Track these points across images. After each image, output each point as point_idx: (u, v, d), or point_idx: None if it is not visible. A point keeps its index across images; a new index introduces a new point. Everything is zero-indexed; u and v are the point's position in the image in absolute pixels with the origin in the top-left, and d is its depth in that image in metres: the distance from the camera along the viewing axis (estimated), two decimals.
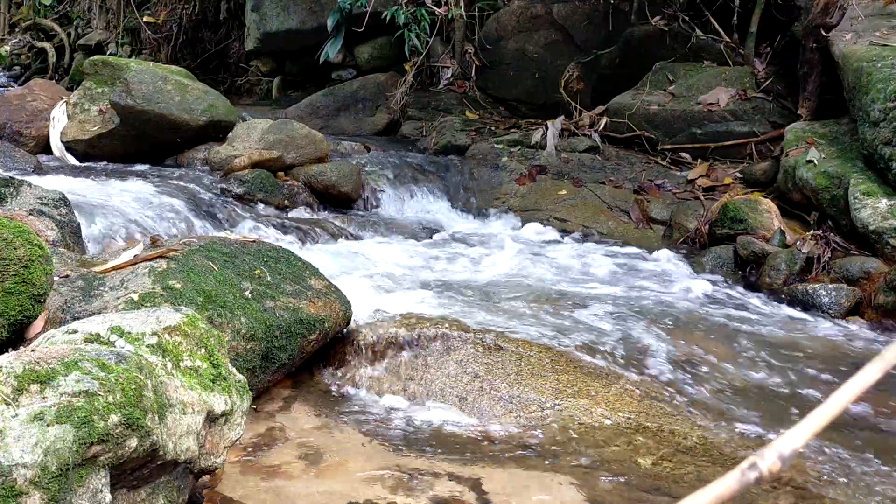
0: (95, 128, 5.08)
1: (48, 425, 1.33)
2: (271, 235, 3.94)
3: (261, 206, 4.42)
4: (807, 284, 3.61)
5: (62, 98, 5.41)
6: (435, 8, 6.41)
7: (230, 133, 5.06)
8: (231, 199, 4.36)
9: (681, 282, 3.84)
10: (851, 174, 3.94)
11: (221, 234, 3.78)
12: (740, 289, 3.77)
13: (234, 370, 1.86)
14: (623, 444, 2.32)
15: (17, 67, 10.81)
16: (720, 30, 5.67)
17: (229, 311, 2.34)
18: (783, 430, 1.01)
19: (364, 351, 2.71)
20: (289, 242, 3.89)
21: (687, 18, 5.80)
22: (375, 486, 2.05)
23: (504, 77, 6.73)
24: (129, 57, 8.36)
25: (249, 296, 2.45)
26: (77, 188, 3.94)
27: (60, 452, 1.33)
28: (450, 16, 6.45)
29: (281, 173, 4.69)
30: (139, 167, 4.97)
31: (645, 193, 4.94)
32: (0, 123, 5.25)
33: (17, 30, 11.23)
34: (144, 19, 8.72)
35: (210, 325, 1.87)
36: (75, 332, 1.64)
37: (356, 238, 4.27)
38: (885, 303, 3.38)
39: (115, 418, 1.40)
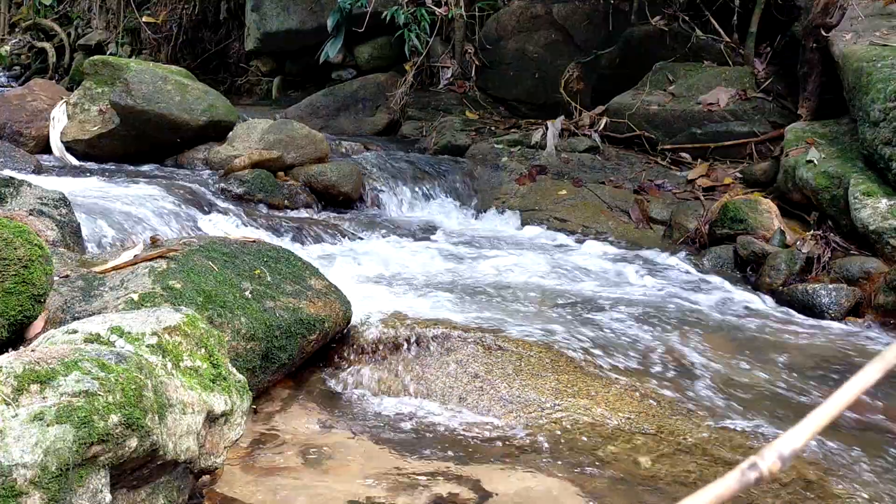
0: (95, 128, 5.08)
1: (48, 425, 1.33)
2: (271, 235, 3.94)
3: (261, 206, 4.42)
4: (807, 284, 3.60)
5: (62, 98, 5.41)
6: (435, 8, 6.42)
7: (230, 133, 5.06)
8: (231, 199, 4.36)
9: (680, 282, 3.84)
10: (851, 174, 3.94)
11: (221, 234, 3.78)
12: (740, 289, 3.77)
13: (234, 370, 1.86)
14: (623, 444, 2.32)
15: (17, 67, 10.82)
16: (720, 30, 5.67)
17: (229, 311, 2.34)
18: (783, 430, 1.01)
19: (364, 351, 2.71)
20: (288, 242, 3.89)
21: (687, 18, 5.80)
22: (375, 486, 2.05)
23: (504, 77, 6.73)
24: (129, 57, 8.36)
25: (249, 296, 2.45)
26: (77, 188, 3.94)
27: (60, 452, 1.33)
28: (450, 16, 6.45)
29: (281, 173, 4.69)
30: (139, 167, 4.97)
31: (645, 193, 4.94)
32: (0, 123, 5.25)
33: (17, 30, 11.23)
34: (144, 19, 8.72)
35: (210, 325, 1.87)
36: (75, 332, 1.64)
37: (356, 238, 4.27)
38: (885, 303, 3.38)
39: (115, 418, 1.40)
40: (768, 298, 3.66)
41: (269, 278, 2.59)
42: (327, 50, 7.09)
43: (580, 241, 4.50)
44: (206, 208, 4.13)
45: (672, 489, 2.10)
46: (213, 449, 1.77)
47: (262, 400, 2.50)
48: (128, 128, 4.97)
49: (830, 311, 3.45)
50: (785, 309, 3.55)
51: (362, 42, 7.36)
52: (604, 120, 5.65)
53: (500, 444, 2.32)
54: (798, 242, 3.91)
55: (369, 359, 2.70)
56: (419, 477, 2.10)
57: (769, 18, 5.49)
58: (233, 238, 2.89)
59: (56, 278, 2.26)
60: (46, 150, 5.20)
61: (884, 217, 3.67)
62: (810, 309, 3.49)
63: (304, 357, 2.58)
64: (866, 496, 2.07)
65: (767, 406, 2.56)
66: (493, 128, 6.19)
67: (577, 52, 6.40)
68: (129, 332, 1.67)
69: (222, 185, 4.47)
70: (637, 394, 2.54)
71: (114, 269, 2.43)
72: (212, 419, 1.74)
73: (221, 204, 4.25)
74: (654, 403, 2.51)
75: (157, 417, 1.50)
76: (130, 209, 3.79)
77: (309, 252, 3.73)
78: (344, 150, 5.67)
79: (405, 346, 2.69)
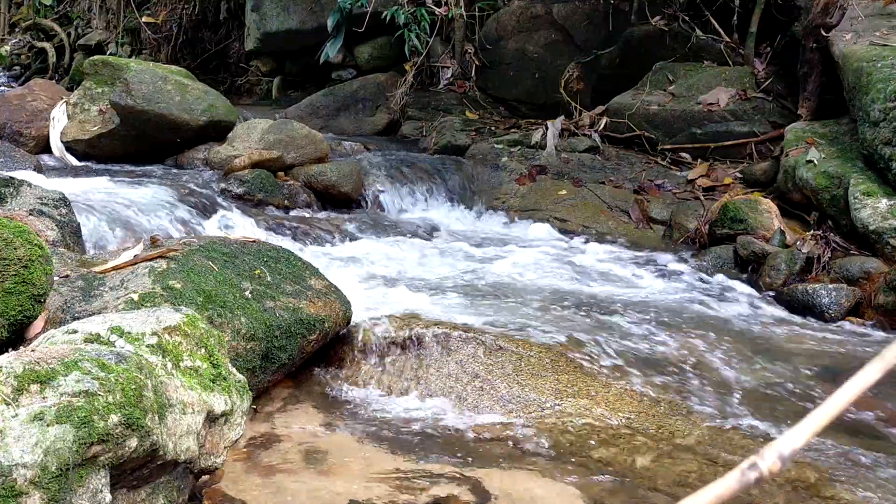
0: (95, 128, 5.08)
1: (48, 425, 1.33)
2: (271, 235, 3.94)
3: (261, 206, 4.42)
4: (807, 284, 3.61)
5: (62, 98, 5.41)
6: (435, 8, 6.42)
7: (230, 133, 5.06)
8: (231, 199, 4.36)
9: (680, 282, 3.84)
10: (851, 174, 3.94)
11: (221, 234, 3.78)
12: (740, 289, 3.77)
13: (234, 370, 1.86)
14: (623, 444, 2.32)
15: (17, 67, 10.81)
16: (720, 30, 5.67)
17: (229, 311, 2.34)
18: (783, 430, 1.01)
19: (364, 351, 2.71)
20: (288, 242, 3.89)
21: (687, 18, 5.80)
22: (375, 486, 2.05)
23: (504, 77, 6.73)
24: (129, 57, 8.36)
25: (249, 296, 2.45)
26: (77, 188, 3.94)
27: (60, 452, 1.33)
28: (450, 16, 6.45)
29: (281, 173, 4.69)
30: (139, 167, 4.97)
31: (645, 193, 4.94)
32: (0, 123, 5.25)
33: (17, 30, 11.23)
34: (144, 19, 8.72)
35: (210, 325, 1.87)
36: (75, 332, 1.64)
37: (356, 238, 4.27)
38: (885, 303, 3.38)
39: (115, 418, 1.40)
40: (768, 298, 3.66)
41: (269, 278, 2.59)
42: (327, 50, 7.10)
43: (580, 242, 4.50)
44: (206, 208, 4.13)
45: (672, 489, 2.10)
46: (213, 449, 1.77)
47: (262, 400, 2.50)
48: (128, 128, 4.97)
49: (830, 311, 3.45)
50: (785, 309, 3.55)
51: (362, 42, 7.36)
52: (604, 120, 5.65)
53: (500, 444, 2.32)
54: (798, 242, 3.92)
55: (369, 359, 2.70)
56: (419, 477, 2.10)
57: (769, 18, 5.49)
58: (233, 238, 2.89)
59: (56, 278, 2.27)
60: (46, 150, 5.20)
61: (884, 217, 3.67)
62: (810, 309, 3.49)
63: (304, 357, 2.58)
64: (866, 496, 2.07)
65: (767, 406, 2.56)
66: (493, 128, 6.19)
67: (577, 52, 6.40)
68: (129, 332, 1.67)
69: (222, 185, 4.47)
70: (637, 394, 2.54)
71: (114, 269, 2.43)
72: (212, 419, 1.74)
73: (221, 204, 4.25)
74: (654, 403, 2.51)
75: (157, 417, 1.50)
76: (130, 209, 3.79)
77: (309, 252, 3.74)
78: (344, 150, 5.67)
79: (405, 346, 2.69)
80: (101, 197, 3.89)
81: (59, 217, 3.06)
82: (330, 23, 6.95)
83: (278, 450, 2.23)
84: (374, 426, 2.41)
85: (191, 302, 2.27)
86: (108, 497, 1.42)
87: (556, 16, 6.54)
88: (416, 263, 3.86)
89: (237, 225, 4.05)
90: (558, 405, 2.47)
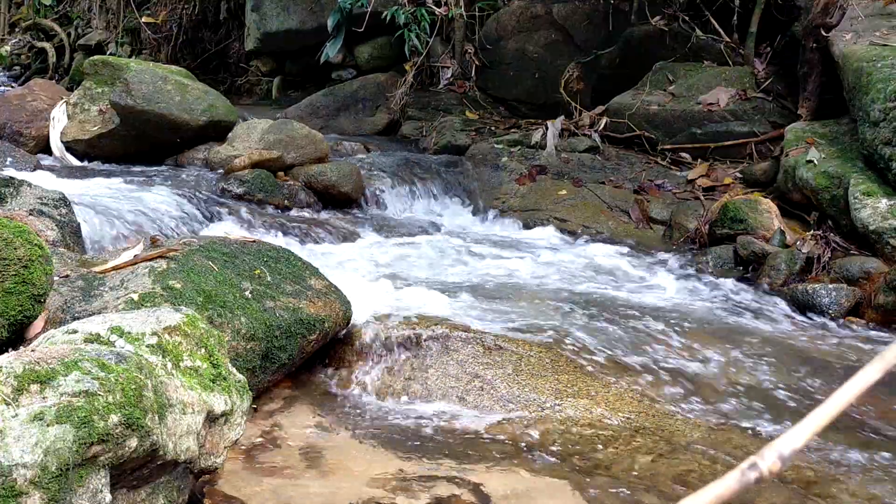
0: (95, 128, 5.08)
1: (48, 425, 1.33)
2: (271, 235, 3.94)
3: (261, 205, 4.42)
4: (807, 284, 3.61)
5: (62, 98, 5.41)
6: (435, 8, 6.42)
7: (230, 133, 5.05)
8: (231, 199, 4.36)
9: (680, 282, 3.84)
10: (851, 174, 3.94)
11: (221, 234, 3.78)
12: (740, 289, 3.77)
13: (234, 370, 1.86)
14: (623, 444, 2.32)
15: (17, 67, 10.81)
16: (720, 30, 5.67)
17: (229, 311, 2.34)
18: (783, 430, 1.01)
19: (364, 351, 2.71)
20: (288, 242, 3.89)
21: (687, 18, 5.80)
22: (375, 486, 2.05)
23: (504, 77, 6.73)
24: (129, 57, 8.36)
25: (249, 296, 2.45)
26: (77, 188, 3.94)
27: (60, 452, 1.33)
28: (450, 16, 6.45)
29: (281, 173, 4.69)
30: (139, 167, 4.97)
31: (645, 193, 4.94)
32: (0, 123, 5.25)
33: (17, 30, 11.23)
34: (144, 19, 8.72)
35: (210, 325, 1.87)
36: (75, 332, 1.64)
37: (356, 238, 4.27)
38: (885, 303, 3.38)
39: (115, 418, 1.40)
40: (768, 298, 3.66)
41: (269, 278, 2.59)
42: (327, 50, 7.09)
43: (580, 242, 4.50)
44: (206, 208, 4.13)
45: (672, 489, 2.10)
46: (213, 449, 1.77)
47: (262, 400, 2.50)
48: (128, 128, 4.97)
49: (830, 311, 3.45)
50: (785, 309, 3.55)
51: (362, 42, 7.36)
52: (604, 120, 5.65)
53: (500, 444, 2.32)
54: (798, 242, 3.92)
55: (369, 359, 2.70)
56: (419, 477, 2.10)
57: (769, 18, 5.49)
58: (233, 238, 2.89)
59: (56, 278, 2.27)
60: (46, 150, 5.20)
61: (884, 217, 3.67)
62: (810, 309, 3.49)
63: (304, 357, 2.58)
64: (866, 496, 2.07)
65: (767, 406, 2.56)
66: (493, 128, 6.19)
67: (577, 52, 6.39)
68: (129, 332, 1.67)
69: (222, 184, 4.47)
70: (637, 394, 2.54)
71: (114, 269, 2.43)
72: (212, 419, 1.74)
73: (221, 204, 4.25)
74: (654, 403, 2.51)
75: (157, 417, 1.50)
76: (130, 209, 3.79)
77: (309, 252, 3.73)
78: (344, 150, 5.67)
79: (405, 345, 2.69)
80: (101, 197, 3.89)
81: (59, 217, 3.07)
82: (330, 23, 6.95)
83: (278, 450, 2.23)
84: (374, 426, 2.41)
85: (191, 302, 2.27)
86: (108, 497, 1.42)
87: (556, 16, 6.54)
88: (416, 263, 3.86)
89: (237, 225, 4.05)
90: (558, 405, 2.47)
